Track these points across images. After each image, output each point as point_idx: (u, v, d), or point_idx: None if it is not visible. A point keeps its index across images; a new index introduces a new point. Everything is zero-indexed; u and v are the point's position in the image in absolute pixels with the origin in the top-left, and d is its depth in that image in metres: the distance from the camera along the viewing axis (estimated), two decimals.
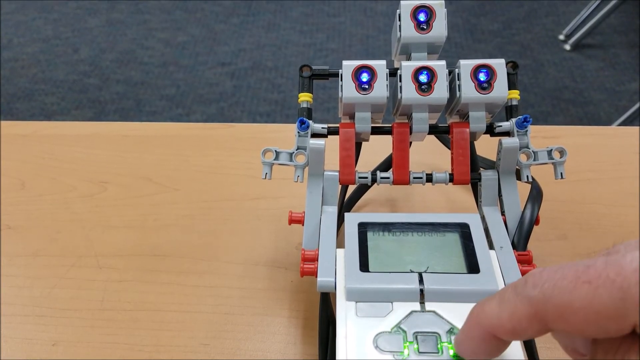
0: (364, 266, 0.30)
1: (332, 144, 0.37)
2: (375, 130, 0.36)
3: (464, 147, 0.36)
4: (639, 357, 0.19)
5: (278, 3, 2.00)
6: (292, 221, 0.36)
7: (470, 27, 1.86)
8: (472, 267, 0.30)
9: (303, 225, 0.35)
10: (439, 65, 0.34)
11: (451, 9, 1.91)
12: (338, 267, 0.31)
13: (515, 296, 0.21)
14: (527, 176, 0.36)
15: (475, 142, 0.38)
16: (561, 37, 1.80)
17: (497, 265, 0.31)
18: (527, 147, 0.36)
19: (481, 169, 0.38)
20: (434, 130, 0.37)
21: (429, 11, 0.35)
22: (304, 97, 0.37)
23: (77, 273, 0.41)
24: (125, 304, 0.39)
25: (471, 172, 0.36)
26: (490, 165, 0.40)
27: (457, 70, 0.35)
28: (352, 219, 0.33)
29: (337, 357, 0.26)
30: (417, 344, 0.26)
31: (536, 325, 0.20)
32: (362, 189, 0.44)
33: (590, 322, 0.19)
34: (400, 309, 0.28)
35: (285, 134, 0.53)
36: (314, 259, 0.32)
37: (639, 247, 0.20)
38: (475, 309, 0.23)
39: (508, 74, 0.35)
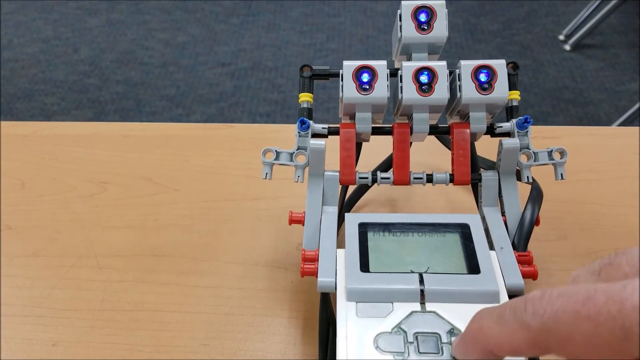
0: (365, 266, 0.30)
1: (332, 144, 0.37)
2: (376, 131, 0.36)
3: (465, 147, 0.36)
4: None
5: (278, 3, 2.00)
6: (292, 221, 0.36)
7: (470, 27, 1.86)
8: (473, 267, 0.30)
9: (303, 225, 0.35)
10: (440, 66, 0.34)
11: (451, 9, 1.90)
12: (338, 268, 0.31)
13: (514, 321, 0.21)
14: (528, 177, 0.36)
15: (475, 142, 0.38)
16: (561, 37, 1.80)
17: (498, 265, 0.31)
18: (528, 147, 0.36)
19: (481, 169, 0.38)
20: (434, 130, 0.37)
21: (430, 11, 0.35)
22: (305, 97, 0.37)
23: (77, 273, 0.41)
24: (125, 304, 0.39)
25: (471, 172, 0.36)
26: (491, 165, 0.40)
27: (457, 70, 0.35)
28: (353, 219, 0.33)
29: (337, 358, 0.26)
30: (418, 344, 0.26)
31: (536, 350, 0.20)
32: (363, 189, 0.44)
33: (592, 354, 0.19)
34: (401, 310, 0.28)
35: (285, 134, 0.53)
36: (314, 259, 0.32)
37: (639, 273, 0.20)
38: (474, 325, 0.23)
39: (508, 74, 0.35)
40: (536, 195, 0.36)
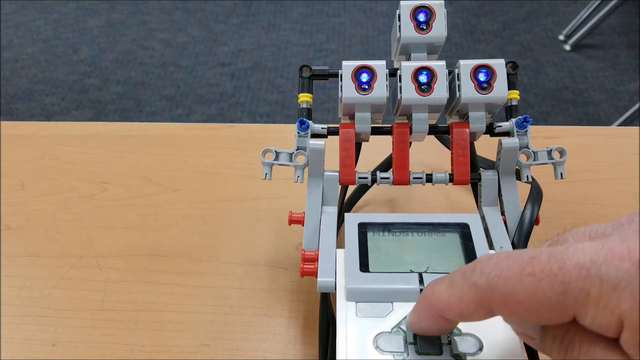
0: (364, 266, 0.30)
1: (332, 144, 0.37)
2: (375, 131, 0.36)
3: (464, 147, 0.36)
4: (582, 345, 0.20)
5: (278, 3, 2.00)
6: (292, 221, 0.36)
7: (470, 27, 1.86)
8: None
9: (303, 225, 0.35)
10: (439, 66, 0.34)
11: (451, 9, 1.91)
12: (338, 268, 0.31)
13: (464, 282, 0.21)
14: (527, 176, 0.36)
15: (475, 142, 0.38)
16: (561, 37, 1.80)
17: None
18: (527, 147, 0.36)
19: (481, 169, 0.38)
20: (433, 130, 0.37)
21: (429, 11, 0.35)
22: (304, 98, 0.37)
23: (77, 273, 0.41)
24: (125, 304, 0.39)
25: (471, 172, 0.36)
26: (490, 165, 0.40)
27: (456, 70, 0.35)
28: (352, 219, 0.33)
29: (337, 357, 0.26)
30: (418, 344, 0.26)
31: (482, 311, 0.21)
32: (362, 189, 0.44)
33: (533, 312, 0.20)
34: (401, 309, 0.28)
35: (285, 134, 0.53)
36: (314, 260, 0.32)
37: (584, 239, 0.21)
38: (426, 291, 0.24)
39: (508, 74, 0.35)
40: (536, 195, 0.36)
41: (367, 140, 0.37)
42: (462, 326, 0.27)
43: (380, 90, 0.34)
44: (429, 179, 0.36)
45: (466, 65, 0.34)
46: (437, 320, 0.23)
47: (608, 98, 1.59)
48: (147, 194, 0.48)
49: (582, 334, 0.20)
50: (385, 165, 0.42)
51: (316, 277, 0.31)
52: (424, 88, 0.34)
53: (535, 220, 0.35)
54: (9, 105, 1.64)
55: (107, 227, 0.45)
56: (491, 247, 0.33)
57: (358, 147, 0.37)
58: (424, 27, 0.35)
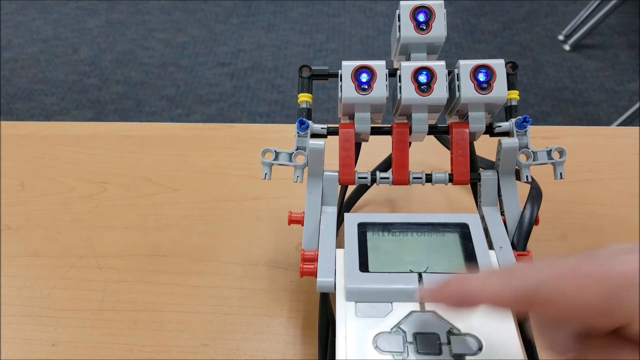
0: (364, 266, 0.30)
1: (331, 144, 0.37)
2: (375, 131, 0.36)
3: (464, 147, 0.36)
4: (627, 357, 0.20)
5: (278, 3, 2.00)
6: (291, 221, 0.36)
7: (470, 27, 1.86)
8: (472, 267, 0.30)
9: (303, 225, 0.35)
10: (439, 66, 0.34)
11: (451, 9, 1.91)
12: (338, 268, 0.31)
13: (508, 279, 0.22)
14: (527, 176, 0.36)
15: (474, 142, 0.38)
16: (561, 37, 1.80)
17: (497, 265, 0.31)
18: (527, 147, 0.36)
19: (481, 169, 0.38)
20: (433, 130, 0.37)
21: (429, 11, 0.35)
22: (304, 98, 0.37)
23: (77, 273, 0.41)
24: (125, 304, 0.39)
25: (471, 172, 0.36)
26: (490, 165, 0.40)
27: (456, 70, 0.35)
28: (352, 219, 0.33)
29: (336, 357, 0.26)
30: (417, 344, 0.26)
31: (521, 308, 0.22)
32: (362, 189, 0.44)
33: (576, 315, 0.20)
34: (400, 309, 0.28)
35: (285, 134, 0.53)
36: (314, 259, 0.32)
37: (630, 251, 0.21)
38: (457, 279, 0.23)
39: (507, 74, 0.35)
40: (535, 195, 0.36)
41: (366, 140, 0.37)
42: (462, 326, 0.27)
43: (380, 90, 0.34)
44: (429, 179, 0.36)
45: (466, 66, 0.34)
46: (458, 303, 0.23)
47: (608, 98, 1.59)
48: (147, 194, 0.48)
49: (624, 347, 0.20)
50: (385, 165, 0.42)
51: (316, 277, 0.31)
52: (424, 88, 0.34)
53: (534, 220, 0.35)
54: (9, 105, 1.64)
55: (107, 227, 0.45)
56: (491, 247, 0.33)
57: (358, 147, 0.37)
58: (424, 27, 0.35)
